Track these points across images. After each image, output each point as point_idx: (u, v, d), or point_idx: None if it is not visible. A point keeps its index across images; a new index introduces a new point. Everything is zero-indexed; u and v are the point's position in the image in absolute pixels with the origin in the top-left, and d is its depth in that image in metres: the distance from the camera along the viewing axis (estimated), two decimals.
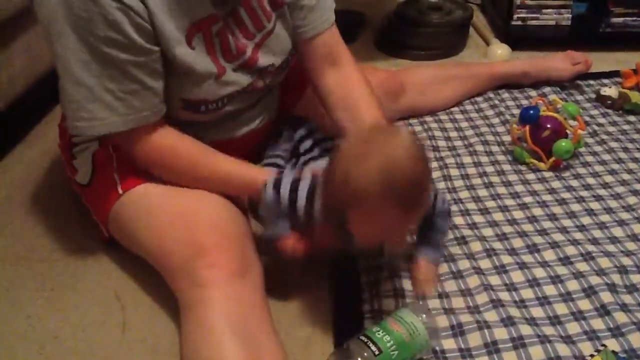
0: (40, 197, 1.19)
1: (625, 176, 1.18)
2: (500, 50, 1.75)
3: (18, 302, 0.96)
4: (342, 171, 0.71)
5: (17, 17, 1.27)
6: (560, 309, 0.89)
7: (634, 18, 1.78)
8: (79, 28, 0.77)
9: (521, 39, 1.79)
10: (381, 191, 0.69)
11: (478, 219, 1.08)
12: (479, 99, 1.48)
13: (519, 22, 1.83)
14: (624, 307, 0.88)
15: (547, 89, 1.49)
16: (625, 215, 1.08)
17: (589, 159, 1.25)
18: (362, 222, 0.74)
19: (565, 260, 0.97)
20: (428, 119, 1.39)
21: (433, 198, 0.84)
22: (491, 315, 0.87)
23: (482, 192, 1.15)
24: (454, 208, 1.11)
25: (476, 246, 1.00)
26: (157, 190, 0.92)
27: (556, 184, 1.17)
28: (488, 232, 1.05)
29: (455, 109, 1.44)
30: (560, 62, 1.49)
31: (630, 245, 1.01)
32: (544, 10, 1.83)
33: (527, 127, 1.22)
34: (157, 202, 0.92)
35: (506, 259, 0.98)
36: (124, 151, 0.92)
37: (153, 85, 0.85)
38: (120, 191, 0.93)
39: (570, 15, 1.83)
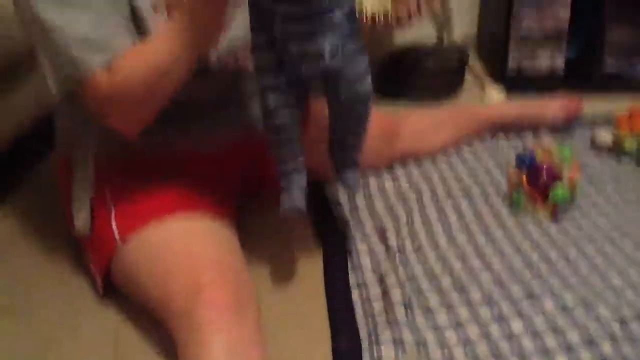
0: (40, 242, 1.19)
1: (622, 222, 1.19)
2: (496, 93, 1.77)
3: (16, 353, 0.94)
4: None
5: (26, 59, 1.28)
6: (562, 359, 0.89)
7: (628, 63, 1.82)
8: None
9: (516, 83, 1.82)
10: None
11: (476, 264, 1.09)
12: (476, 142, 1.49)
13: (514, 66, 1.86)
14: (624, 358, 0.88)
15: (543, 133, 1.51)
16: (623, 263, 1.08)
17: (586, 203, 1.26)
18: None
19: (565, 309, 0.97)
20: (425, 162, 1.41)
21: None
22: None
23: (480, 238, 1.16)
24: (451, 253, 1.11)
25: (475, 293, 1.00)
26: (155, 236, 0.93)
27: (553, 230, 1.17)
28: (486, 277, 1.05)
29: (452, 152, 1.46)
30: (554, 107, 1.52)
31: (629, 294, 1.01)
32: (538, 55, 1.87)
33: (524, 172, 1.23)
34: (156, 248, 0.92)
35: (505, 307, 0.98)
36: (106, 93, 0.88)
37: (126, 31, 0.88)
38: (119, 242, 0.93)
39: (564, 60, 1.86)
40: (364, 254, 1.11)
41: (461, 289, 1.02)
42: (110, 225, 0.95)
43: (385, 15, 1.66)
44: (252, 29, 0.90)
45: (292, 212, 0.98)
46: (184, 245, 0.91)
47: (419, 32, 1.95)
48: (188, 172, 1.02)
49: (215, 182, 1.05)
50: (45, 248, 1.17)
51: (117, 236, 0.94)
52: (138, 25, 0.91)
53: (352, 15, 0.91)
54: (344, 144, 1.03)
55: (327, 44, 0.86)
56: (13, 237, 1.21)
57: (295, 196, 0.98)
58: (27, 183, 1.39)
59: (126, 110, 0.91)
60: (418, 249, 1.12)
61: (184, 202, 0.97)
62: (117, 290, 1.00)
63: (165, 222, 0.94)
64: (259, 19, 0.89)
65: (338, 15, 0.86)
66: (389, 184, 1.33)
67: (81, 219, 1.00)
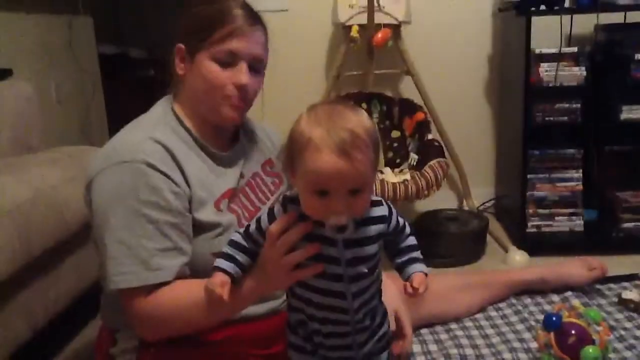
0: None
1: None
2: (518, 256, 1.81)
3: None
4: (298, 121, 0.82)
5: (70, 240, 1.39)
6: None
7: None
8: (127, 197, 0.94)
9: (538, 245, 1.87)
10: (323, 132, 0.79)
11: None
12: (502, 304, 1.50)
13: (534, 230, 1.92)
14: None
15: (569, 294, 1.52)
16: None
17: None
18: (308, 176, 0.80)
19: None
20: (453, 326, 1.41)
21: (403, 222, 0.97)
22: None
23: None
24: None
25: None
26: None
27: None
28: None
29: (480, 315, 1.46)
30: (576, 269, 1.53)
31: None
32: (557, 218, 1.93)
33: (552, 334, 1.23)
34: None
35: None
36: (143, 309, 0.95)
37: (182, 246, 0.97)
38: None
39: (582, 222, 1.92)
40: None
41: None
42: None
43: (405, 187, 1.78)
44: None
45: None
46: None
47: (439, 200, 2.06)
48: (227, 335, 1.04)
49: (252, 343, 1.08)
50: None
51: None
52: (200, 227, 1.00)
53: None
54: None
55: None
56: None
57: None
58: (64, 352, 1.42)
59: (153, 329, 0.99)
60: None
61: None
62: None
63: None
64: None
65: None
66: (417, 348, 1.33)
67: None
